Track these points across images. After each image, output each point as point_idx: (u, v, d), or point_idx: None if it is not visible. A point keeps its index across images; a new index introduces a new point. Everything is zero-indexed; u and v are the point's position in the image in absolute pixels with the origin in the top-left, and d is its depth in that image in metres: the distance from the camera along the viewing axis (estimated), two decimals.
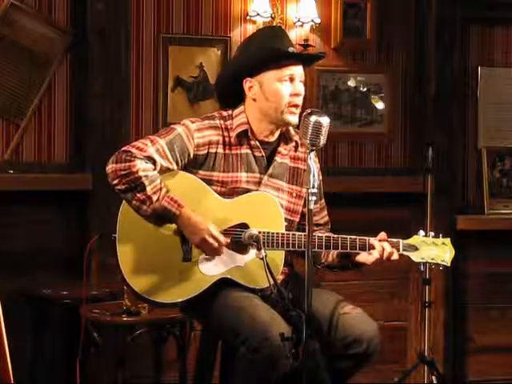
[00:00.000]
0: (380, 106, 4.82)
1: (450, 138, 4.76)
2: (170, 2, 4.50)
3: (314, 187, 2.59)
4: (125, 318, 3.60)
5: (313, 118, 2.62)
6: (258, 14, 4.44)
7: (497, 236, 4.78)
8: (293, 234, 2.90)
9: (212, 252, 2.86)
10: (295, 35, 4.59)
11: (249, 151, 2.99)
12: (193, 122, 2.95)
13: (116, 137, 4.29)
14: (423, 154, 4.46)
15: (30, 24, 4.28)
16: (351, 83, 4.77)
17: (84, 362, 3.82)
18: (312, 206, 2.60)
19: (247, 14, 4.52)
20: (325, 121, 2.63)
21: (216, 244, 2.84)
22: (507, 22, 4.96)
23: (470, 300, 4.88)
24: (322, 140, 2.64)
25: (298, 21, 4.54)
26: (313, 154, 2.64)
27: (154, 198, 2.81)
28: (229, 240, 2.88)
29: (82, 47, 4.32)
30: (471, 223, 4.77)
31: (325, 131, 2.63)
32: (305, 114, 2.66)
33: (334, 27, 4.68)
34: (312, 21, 4.52)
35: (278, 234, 2.89)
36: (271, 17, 4.48)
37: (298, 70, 2.95)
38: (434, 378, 4.37)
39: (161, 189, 2.83)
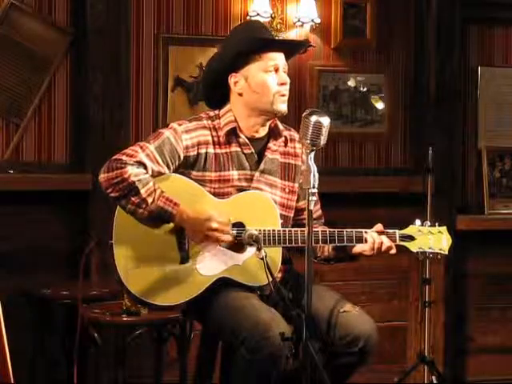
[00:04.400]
0: (380, 105, 4.82)
1: (449, 138, 4.76)
2: (170, 2, 4.50)
3: (314, 187, 2.59)
4: (125, 318, 3.60)
5: (313, 118, 2.62)
6: (258, 14, 4.44)
7: (497, 236, 4.78)
8: (289, 231, 2.90)
9: (218, 239, 2.85)
10: (295, 35, 4.59)
11: (238, 149, 2.98)
12: (180, 125, 2.96)
13: (116, 137, 4.29)
14: (423, 153, 4.47)
15: (30, 24, 4.28)
16: (351, 83, 4.77)
17: (84, 362, 3.83)
18: (312, 207, 2.61)
19: (247, 14, 4.52)
20: (325, 121, 2.64)
21: (221, 227, 2.83)
22: (507, 22, 4.97)
23: (470, 300, 4.88)
24: (323, 140, 2.64)
25: (298, 21, 4.54)
26: (313, 155, 2.64)
27: (149, 199, 2.82)
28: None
29: (81, 47, 4.32)
30: (471, 223, 4.77)
31: (325, 131, 2.63)
32: (305, 114, 2.66)
33: (334, 27, 4.68)
34: (312, 21, 4.52)
35: (274, 230, 2.89)
36: (271, 17, 4.48)
37: (281, 60, 2.96)
38: (433, 377, 4.38)
39: (155, 190, 2.83)
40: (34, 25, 4.29)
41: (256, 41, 2.93)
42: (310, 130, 2.62)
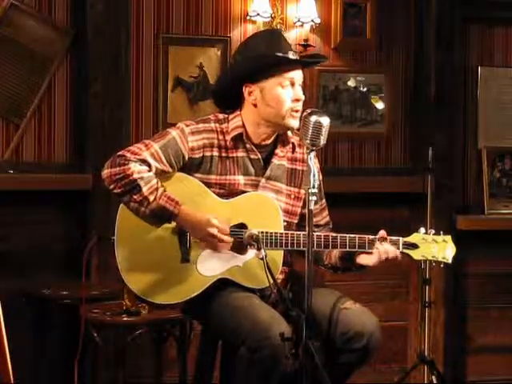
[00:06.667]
0: (380, 106, 4.82)
1: (450, 138, 4.76)
2: (170, 2, 4.50)
3: (314, 187, 2.59)
4: (125, 318, 3.60)
5: (313, 118, 2.63)
6: (258, 14, 4.44)
7: (497, 236, 4.77)
8: (292, 234, 2.90)
9: (217, 245, 2.86)
10: (295, 35, 4.59)
11: (244, 154, 2.98)
12: (187, 126, 2.95)
13: (116, 137, 4.29)
14: (423, 153, 4.47)
15: (30, 24, 4.28)
16: (351, 83, 4.77)
17: (84, 362, 3.83)
18: (312, 206, 2.60)
19: (247, 14, 4.52)
20: (325, 121, 2.64)
21: (220, 235, 2.83)
22: (507, 22, 4.96)
23: (470, 300, 4.88)
24: (323, 140, 2.64)
25: (298, 21, 4.54)
26: (313, 154, 2.64)
27: (151, 198, 2.82)
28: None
29: (82, 47, 4.32)
30: (471, 223, 4.77)
31: (325, 131, 2.64)
32: (305, 114, 2.66)
33: (334, 27, 4.68)
34: (312, 21, 4.52)
35: (277, 233, 2.89)
36: (271, 17, 4.48)
37: (298, 75, 2.96)
38: (433, 377, 4.38)
39: (157, 189, 2.83)
40: (34, 25, 4.29)
41: (275, 58, 2.91)
42: (310, 130, 2.62)
